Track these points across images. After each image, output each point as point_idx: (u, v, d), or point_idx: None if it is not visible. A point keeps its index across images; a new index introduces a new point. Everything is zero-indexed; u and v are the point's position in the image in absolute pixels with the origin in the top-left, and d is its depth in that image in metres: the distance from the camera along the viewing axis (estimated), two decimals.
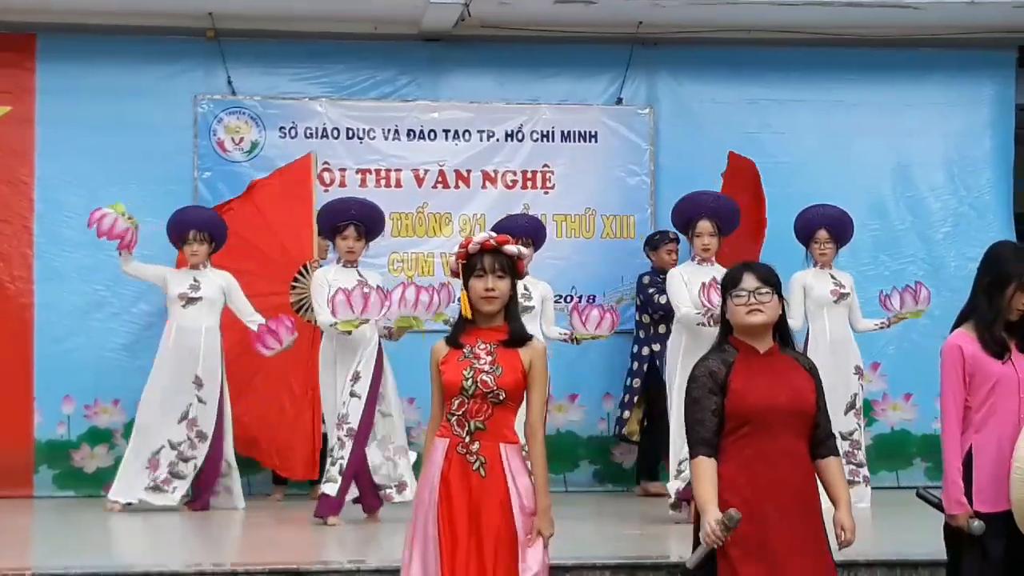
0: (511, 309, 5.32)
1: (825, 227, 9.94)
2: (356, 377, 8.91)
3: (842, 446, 9.80)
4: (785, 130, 11.49)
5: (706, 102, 11.52)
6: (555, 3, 10.78)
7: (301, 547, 8.17)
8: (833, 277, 9.99)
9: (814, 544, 5.00)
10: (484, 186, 11.32)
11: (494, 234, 5.36)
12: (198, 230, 9.84)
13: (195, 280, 9.80)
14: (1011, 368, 5.39)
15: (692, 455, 5.04)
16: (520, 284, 9.75)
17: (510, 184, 11.35)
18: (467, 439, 5.20)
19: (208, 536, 8.89)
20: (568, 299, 11.10)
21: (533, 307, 9.77)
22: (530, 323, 9.66)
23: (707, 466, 4.97)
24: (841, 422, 9.80)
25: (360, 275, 9.12)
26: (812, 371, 5.14)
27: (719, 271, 8.98)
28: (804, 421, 5.03)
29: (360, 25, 11.23)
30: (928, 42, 11.59)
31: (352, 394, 8.88)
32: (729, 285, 5.12)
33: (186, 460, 9.69)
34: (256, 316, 9.73)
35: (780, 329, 5.15)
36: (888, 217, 11.55)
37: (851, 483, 9.89)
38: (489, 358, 5.21)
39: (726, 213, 9.17)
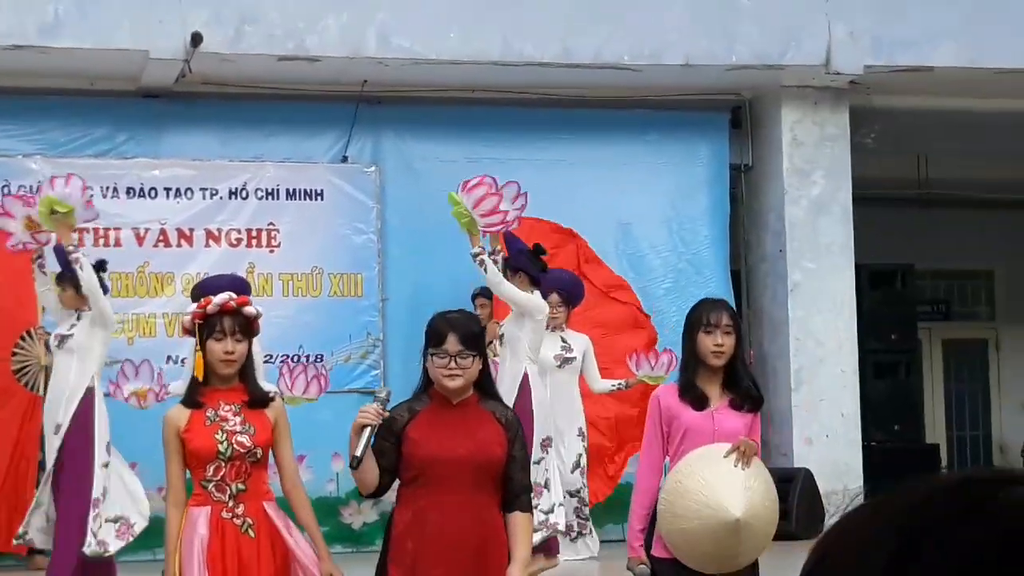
0: (247, 368, 5.22)
1: (556, 291, 9.98)
2: None
3: (571, 503, 9.94)
4: None
5: (431, 160, 11.57)
6: (279, 60, 10.70)
7: None
8: (564, 340, 10.03)
9: None
10: (207, 244, 11.10)
11: (235, 295, 5.27)
12: None
13: None
14: (708, 419, 5.42)
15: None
16: None
17: (235, 242, 11.16)
18: (230, 503, 5.06)
19: None
20: (295, 359, 10.96)
21: None
22: None
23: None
24: (568, 480, 9.94)
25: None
26: (509, 424, 5.06)
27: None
28: (488, 474, 4.97)
29: (76, 81, 10.93)
30: (646, 103, 11.91)
31: None
32: (432, 341, 5.01)
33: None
34: None
35: (482, 381, 5.09)
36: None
37: (580, 535, 10.05)
38: (238, 418, 5.10)
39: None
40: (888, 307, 12.70)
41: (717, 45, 11.26)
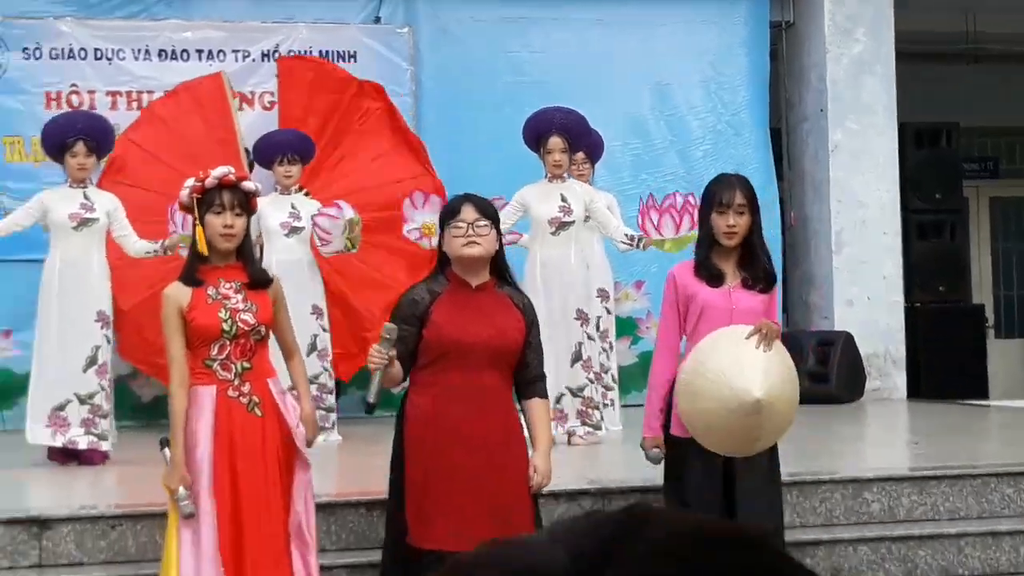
0: (245, 247, 5.18)
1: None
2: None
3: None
4: (544, 49, 11.41)
5: (465, 21, 11.37)
6: None
7: None
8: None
9: (512, 475, 4.98)
10: (241, 108, 10.99)
11: (232, 169, 5.21)
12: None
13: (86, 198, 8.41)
14: (725, 296, 5.36)
15: None
16: None
17: (268, 105, 11.03)
18: (236, 381, 5.05)
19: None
20: None
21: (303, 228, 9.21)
22: None
23: None
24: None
25: (86, 197, 8.39)
26: (526, 310, 5.10)
27: (571, 187, 8.61)
28: (507, 359, 5.00)
29: None
30: None
31: None
32: (448, 216, 5.04)
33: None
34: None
35: (498, 265, 5.11)
36: (648, 136, 11.59)
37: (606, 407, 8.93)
38: (239, 296, 5.08)
39: (576, 128, 8.70)
40: (933, 166, 12.48)
41: None
